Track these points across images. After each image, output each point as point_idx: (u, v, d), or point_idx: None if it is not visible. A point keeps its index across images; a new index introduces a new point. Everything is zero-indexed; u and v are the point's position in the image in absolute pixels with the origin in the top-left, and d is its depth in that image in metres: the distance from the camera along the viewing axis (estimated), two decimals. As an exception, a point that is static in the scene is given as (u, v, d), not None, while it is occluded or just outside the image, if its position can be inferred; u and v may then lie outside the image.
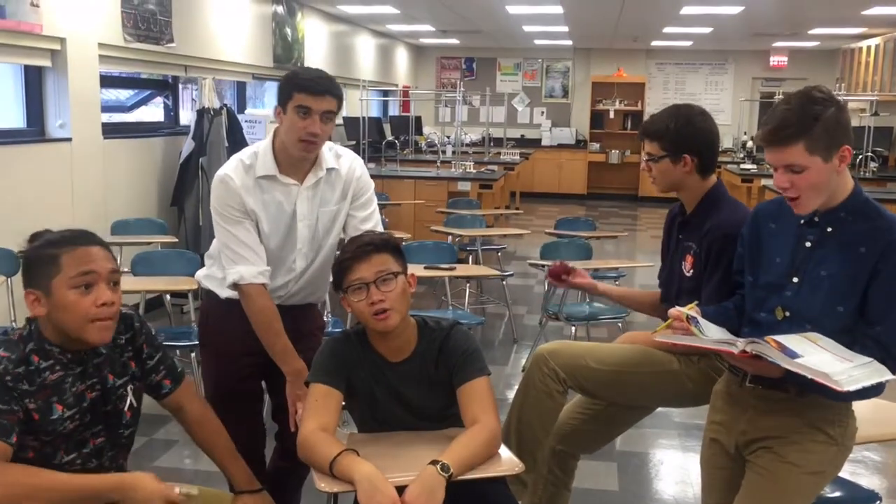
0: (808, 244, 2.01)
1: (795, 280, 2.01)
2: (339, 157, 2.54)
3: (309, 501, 2.78)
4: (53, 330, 1.85)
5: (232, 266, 2.41)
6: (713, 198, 2.50)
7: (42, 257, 1.82)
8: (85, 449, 1.90)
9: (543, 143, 14.46)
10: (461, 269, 4.95)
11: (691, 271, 2.50)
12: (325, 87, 2.32)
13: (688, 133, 2.44)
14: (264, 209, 2.44)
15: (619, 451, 3.91)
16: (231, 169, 2.44)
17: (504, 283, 6.11)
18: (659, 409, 4.40)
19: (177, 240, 5.77)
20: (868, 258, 1.92)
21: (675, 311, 2.05)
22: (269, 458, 2.77)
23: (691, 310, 2.04)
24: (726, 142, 14.04)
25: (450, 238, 6.29)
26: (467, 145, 12.04)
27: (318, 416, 2.05)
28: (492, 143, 12.11)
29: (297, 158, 2.41)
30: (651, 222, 11.81)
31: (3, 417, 1.74)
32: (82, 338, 1.84)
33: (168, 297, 5.46)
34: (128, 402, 1.98)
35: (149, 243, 5.11)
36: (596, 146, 14.41)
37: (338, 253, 2.63)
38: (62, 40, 5.11)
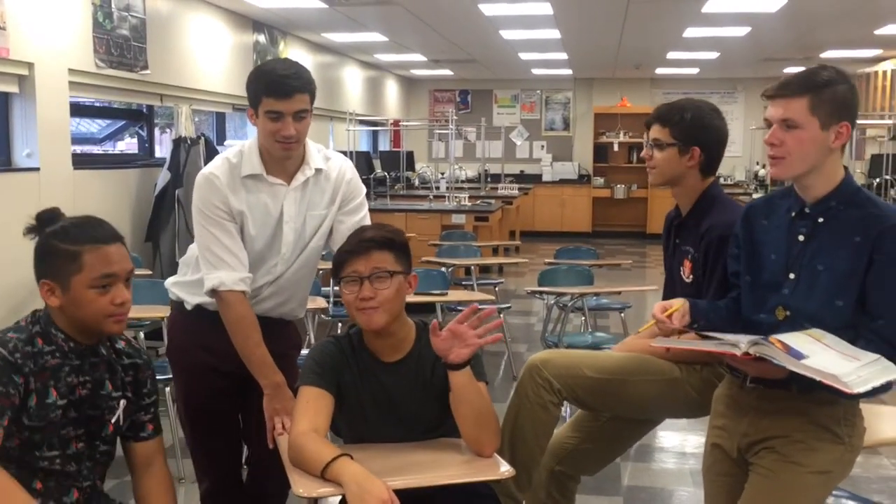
0: (801, 238, 2.07)
1: (792, 276, 2.06)
2: (329, 160, 2.59)
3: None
4: (66, 320, 1.97)
5: (212, 271, 2.42)
6: (709, 198, 2.58)
7: (62, 252, 1.93)
8: (68, 450, 1.96)
9: (544, 178, 14.57)
10: (454, 295, 5.00)
11: (690, 277, 2.55)
12: (292, 87, 2.35)
13: (701, 126, 2.55)
14: (250, 211, 2.48)
15: (626, 486, 3.90)
16: (216, 167, 2.48)
17: (502, 316, 6.15)
18: (669, 442, 4.46)
19: (151, 272, 5.81)
20: (863, 248, 1.97)
21: (658, 309, 2.13)
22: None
23: (678, 310, 2.12)
24: (738, 174, 14.19)
25: (443, 269, 6.34)
26: (463, 182, 12.11)
27: (310, 417, 2.10)
28: (489, 180, 12.18)
29: (279, 158, 2.47)
30: (661, 260, 11.82)
31: None
32: (98, 330, 1.97)
33: (142, 336, 5.48)
34: (116, 415, 2.05)
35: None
36: (600, 181, 14.55)
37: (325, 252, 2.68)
38: (30, 65, 5.20)
